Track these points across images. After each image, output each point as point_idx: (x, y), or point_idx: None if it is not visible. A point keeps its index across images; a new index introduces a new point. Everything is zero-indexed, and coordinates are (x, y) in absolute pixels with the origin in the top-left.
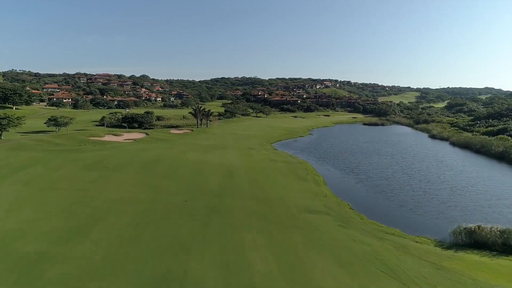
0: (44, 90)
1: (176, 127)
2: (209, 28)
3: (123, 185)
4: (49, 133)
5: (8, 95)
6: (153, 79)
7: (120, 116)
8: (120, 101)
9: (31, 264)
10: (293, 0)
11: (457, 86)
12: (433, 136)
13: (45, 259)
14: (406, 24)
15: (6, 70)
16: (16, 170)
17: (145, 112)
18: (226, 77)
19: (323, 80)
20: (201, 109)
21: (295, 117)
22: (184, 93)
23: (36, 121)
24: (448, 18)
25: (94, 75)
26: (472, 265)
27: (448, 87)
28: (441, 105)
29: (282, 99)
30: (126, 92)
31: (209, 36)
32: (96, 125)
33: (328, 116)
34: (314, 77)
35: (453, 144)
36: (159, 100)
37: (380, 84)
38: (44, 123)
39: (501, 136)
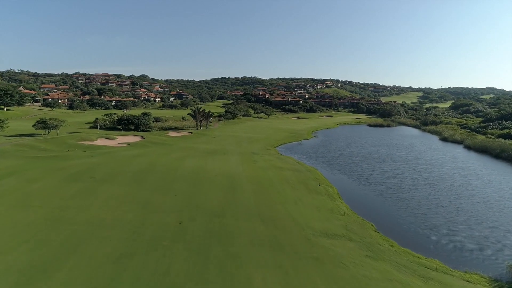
0: (41, 90)
1: (175, 129)
2: (209, 28)
3: (109, 201)
4: (36, 137)
5: None
6: (152, 79)
7: (116, 118)
8: (118, 101)
9: None
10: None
11: (458, 86)
12: (444, 139)
13: None
14: (406, 24)
15: (4, 70)
16: None
17: (142, 114)
18: (227, 77)
19: (325, 80)
20: (201, 110)
21: (297, 117)
22: (183, 93)
23: (27, 123)
24: (449, 17)
25: (93, 75)
26: None
27: (450, 87)
28: (445, 105)
29: (284, 99)
30: (125, 92)
31: (209, 36)
32: (90, 127)
33: (331, 116)
34: (315, 77)
35: (468, 147)
36: (158, 101)
37: (381, 84)
38: (32, 126)
39: None
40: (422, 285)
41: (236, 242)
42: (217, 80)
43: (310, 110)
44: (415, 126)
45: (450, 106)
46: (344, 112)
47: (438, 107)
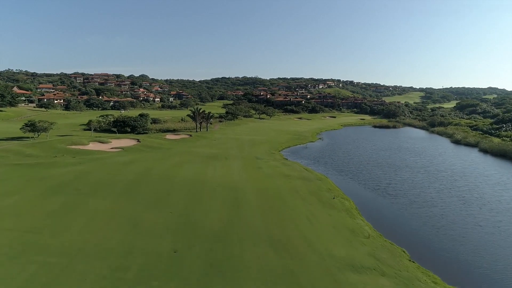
0: (38, 90)
1: (173, 131)
2: (209, 28)
3: (93, 221)
4: (25, 141)
5: None
6: (152, 79)
7: (112, 119)
8: (116, 101)
9: None
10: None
11: (460, 86)
12: (456, 142)
13: None
14: (407, 24)
15: (2, 70)
16: None
17: (139, 115)
18: (227, 77)
19: (326, 80)
20: (201, 111)
21: (300, 118)
22: (183, 93)
23: (17, 124)
24: (449, 18)
25: (92, 75)
26: None
27: (452, 87)
28: (449, 105)
29: (286, 99)
30: (123, 93)
31: (209, 36)
32: (84, 130)
33: (334, 117)
34: (316, 77)
35: (484, 151)
36: (158, 101)
37: (382, 84)
38: (20, 129)
39: None
40: None
41: (242, 278)
42: (217, 80)
43: (313, 110)
44: (422, 128)
45: (454, 106)
46: (347, 112)
47: (442, 107)
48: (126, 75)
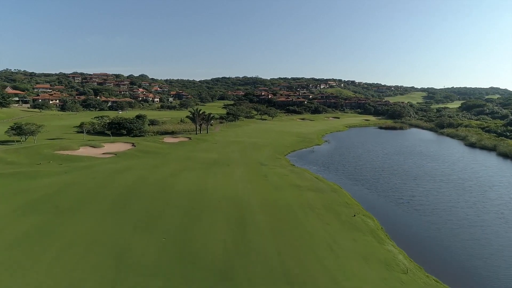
0: (35, 90)
1: (172, 133)
2: (209, 28)
3: (69, 250)
4: (9, 145)
5: None
6: (152, 78)
7: (107, 121)
8: (114, 102)
9: None
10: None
11: (461, 86)
12: (471, 145)
13: None
14: (407, 24)
15: (0, 70)
16: None
17: (136, 116)
18: (227, 76)
19: (327, 79)
20: (200, 112)
21: (302, 119)
22: (183, 93)
23: (5, 127)
24: (450, 17)
25: (91, 75)
26: None
27: (453, 87)
28: (453, 105)
29: (288, 99)
30: (122, 93)
31: (209, 36)
32: (78, 132)
33: (338, 118)
34: (317, 77)
35: (504, 155)
36: (157, 101)
37: (383, 84)
38: (5, 132)
39: None
40: None
41: None
42: (217, 80)
43: (316, 111)
44: (430, 129)
45: (459, 106)
46: (351, 113)
47: (448, 107)
48: (126, 75)
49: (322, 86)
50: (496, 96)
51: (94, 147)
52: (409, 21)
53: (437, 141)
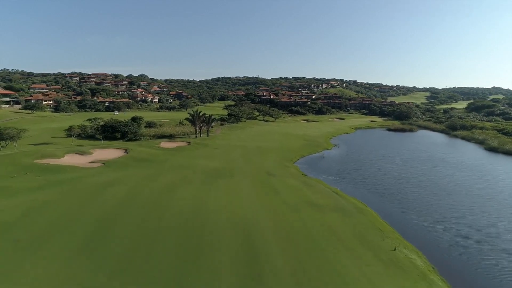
0: (31, 90)
1: (169, 137)
2: (209, 28)
3: None
4: None
5: None
6: (151, 78)
7: (100, 123)
8: (111, 102)
9: None
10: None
11: (463, 86)
12: (492, 149)
13: None
14: (407, 24)
15: None
16: None
17: (131, 118)
18: (228, 76)
19: (329, 79)
20: (201, 114)
21: (306, 120)
22: (183, 93)
23: None
24: (450, 17)
25: (89, 74)
26: None
27: (454, 86)
28: (459, 106)
29: (290, 100)
30: (120, 93)
31: (209, 36)
32: (68, 136)
33: (343, 119)
34: (318, 77)
35: None
36: (156, 101)
37: (384, 84)
38: None
39: None
40: None
41: None
42: (217, 80)
43: (319, 112)
44: (442, 131)
45: (466, 107)
46: (356, 114)
47: (455, 108)
48: (125, 75)
49: (324, 86)
50: (500, 96)
51: (82, 154)
52: (409, 21)
53: (452, 144)
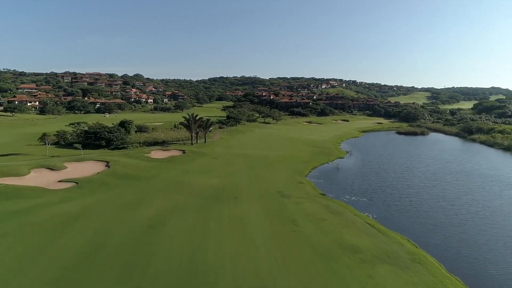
0: (19, 90)
1: (162, 143)
2: (209, 28)
3: None
4: None
5: None
6: (147, 78)
7: (85, 128)
8: (102, 103)
9: None
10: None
11: (462, 86)
12: None
13: None
14: (407, 24)
15: None
16: None
17: (120, 123)
18: (225, 76)
19: (328, 79)
20: (197, 118)
21: (309, 122)
22: (179, 93)
23: None
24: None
25: (83, 74)
26: None
27: (454, 86)
28: (460, 106)
29: (291, 100)
30: (114, 93)
31: (209, 36)
32: (44, 144)
33: (347, 121)
34: (317, 77)
35: None
36: (151, 102)
37: (383, 83)
38: None
39: None
40: None
41: None
42: (215, 79)
43: (322, 113)
44: (455, 134)
45: (472, 107)
46: (360, 115)
47: (461, 109)
48: (122, 75)
49: (323, 86)
50: (501, 96)
51: (52, 169)
52: (409, 21)
53: (476, 151)
